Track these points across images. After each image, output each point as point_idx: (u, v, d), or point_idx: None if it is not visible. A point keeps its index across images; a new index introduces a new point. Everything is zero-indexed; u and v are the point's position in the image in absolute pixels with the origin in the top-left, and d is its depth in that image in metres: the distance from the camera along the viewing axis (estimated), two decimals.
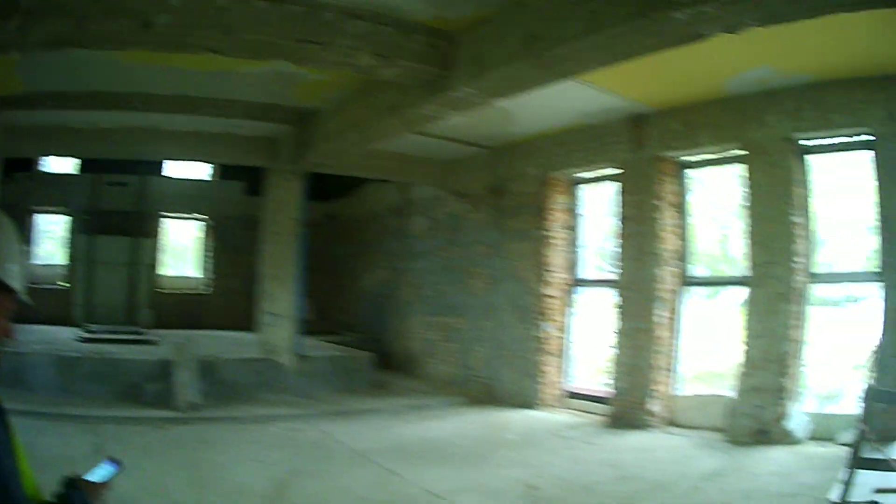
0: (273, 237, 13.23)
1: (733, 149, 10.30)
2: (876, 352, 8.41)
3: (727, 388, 10.17)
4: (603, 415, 11.13)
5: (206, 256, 20.28)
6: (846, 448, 6.56)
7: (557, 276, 12.55)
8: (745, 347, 9.71)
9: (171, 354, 11.09)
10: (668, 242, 10.82)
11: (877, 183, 8.97)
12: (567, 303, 12.72)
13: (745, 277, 10.00)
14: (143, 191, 18.40)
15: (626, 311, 11.02)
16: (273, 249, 13.20)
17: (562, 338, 12.61)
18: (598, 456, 8.98)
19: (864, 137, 9.20)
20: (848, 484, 6.21)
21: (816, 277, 10.05)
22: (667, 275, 10.78)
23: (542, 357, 12.36)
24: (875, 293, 9.02)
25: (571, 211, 12.81)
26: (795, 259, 9.43)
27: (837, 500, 6.26)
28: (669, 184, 10.97)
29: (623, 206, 11.23)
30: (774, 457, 8.57)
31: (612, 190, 11.82)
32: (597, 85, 9.53)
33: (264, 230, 13.46)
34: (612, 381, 11.18)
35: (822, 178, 9.80)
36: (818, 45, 8.08)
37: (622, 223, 11.21)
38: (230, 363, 12.06)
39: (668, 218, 10.88)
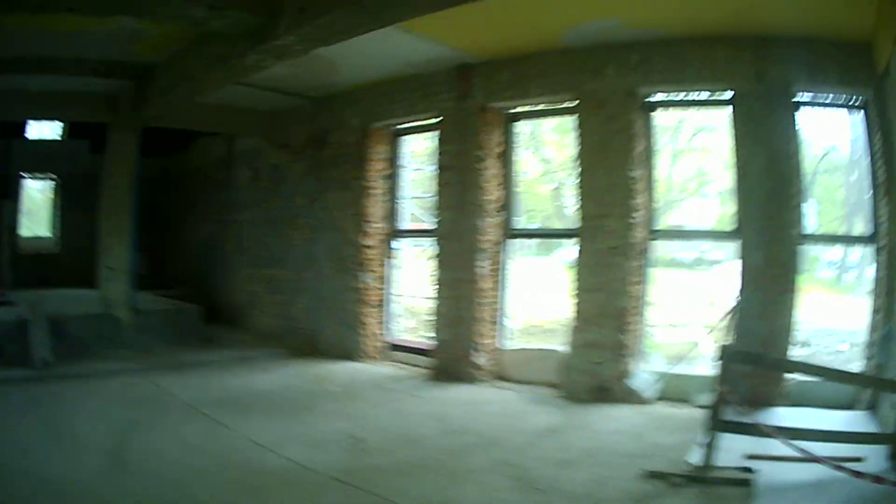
0: (111, 192, 12.84)
1: (566, 100, 10.09)
2: (733, 312, 8.38)
3: (561, 343, 10.08)
4: (426, 367, 10.99)
5: (55, 216, 19.96)
6: (704, 410, 6.51)
7: (376, 226, 12.23)
8: (575, 302, 9.60)
9: (25, 314, 11.12)
10: (491, 193, 10.57)
11: (734, 141, 9.09)
12: (386, 253, 12.45)
13: (574, 230, 9.88)
14: (4, 153, 17.79)
15: (445, 261, 10.80)
16: (111, 205, 12.81)
17: (382, 289, 12.35)
18: (424, 409, 8.77)
19: (723, 95, 9.39)
20: (710, 447, 6.23)
21: (660, 234, 10.08)
22: (489, 226, 10.51)
23: (362, 308, 12.10)
24: (731, 252, 9.19)
25: (392, 161, 12.44)
26: (633, 214, 9.36)
27: (699, 464, 6.28)
28: (494, 134, 10.66)
29: (444, 156, 10.90)
30: (619, 415, 8.52)
31: (434, 140, 11.44)
32: (423, 34, 9.07)
33: (104, 186, 13.03)
34: (433, 334, 10.98)
35: (682, 135, 9.72)
36: (678, 1, 8.09)
37: (442, 173, 10.90)
38: (76, 320, 11.94)
39: (491, 168, 10.58)
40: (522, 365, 10.38)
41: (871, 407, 8.31)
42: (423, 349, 11.46)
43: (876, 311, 8.91)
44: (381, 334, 12.30)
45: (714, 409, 6.32)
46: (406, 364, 11.64)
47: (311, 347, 12.62)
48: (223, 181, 17.11)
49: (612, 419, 8.33)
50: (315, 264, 12.86)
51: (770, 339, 8.70)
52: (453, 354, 10.53)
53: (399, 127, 12.31)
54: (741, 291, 8.82)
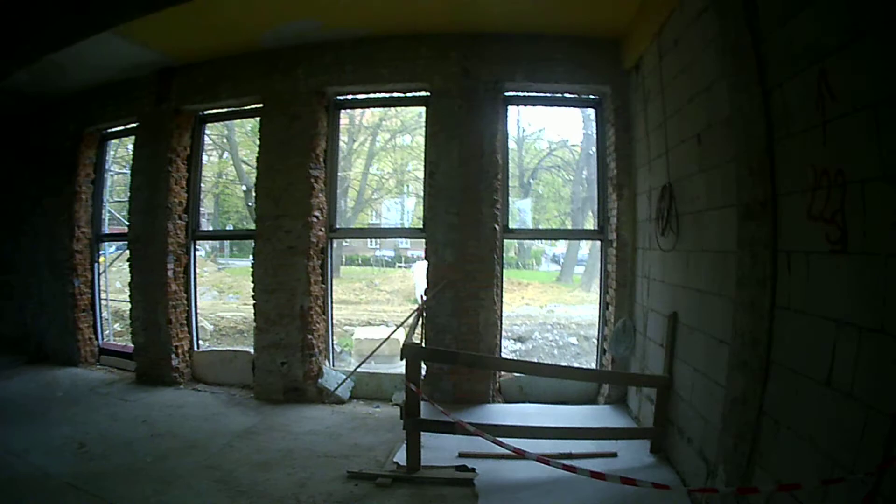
0: None
1: (254, 101, 9.80)
2: (422, 310, 8.42)
3: (249, 344, 9.98)
4: (133, 371, 10.68)
5: None
6: (399, 409, 6.54)
7: (83, 230, 11.69)
8: (257, 303, 9.41)
9: None
10: (179, 196, 10.29)
11: (430, 139, 9.00)
12: (94, 258, 12.01)
13: (254, 231, 9.63)
14: None
15: (138, 265, 10.43)
16: None
17: (91, 294, 11.90)
18: (133, 413, 8.63)
19: (422, 94, 9.20)
20: (414, 446, 6.27)
21: (343, 232, 10.02)
22: (177, 228, 10.16)
23: (77, 314, 11.62)
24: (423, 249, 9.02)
25: (99, 166, 11.92)
26: (313, 213, 9.14)
27: (407, 464, 6.32)
28: (185, 137, 10.26)
29: (138, 160, 10.54)
30: (314, 415, 8.45)
31: (132, 144, 11.10)
32: (132, 37, 8.74)
33: None
34: (133, 338, 10.68)
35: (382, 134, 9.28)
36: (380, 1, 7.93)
37: (135, 177, 10.51)
38: None
39: (180, 171, 10.20)
40: (216, 367, 10.21)
41: (617, 401, 8.54)
42: (127, 352, 11.28)
43: (606, 306, 8.99)
44: (94, 339, 11.91)
45: (407, 407, 6.31)
46: (117, 368, 11.32)
47: (41, 353, 12.10)
48: None
49: (308, 419, 8.26)
50: (37, 269, 12.26)
51: (469, 335, 8.70)
52: (153, 358, 10.27)
53: (107, 131, 11.81)
54: (429, 289, 8.77)
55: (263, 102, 9.45)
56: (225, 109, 10.43)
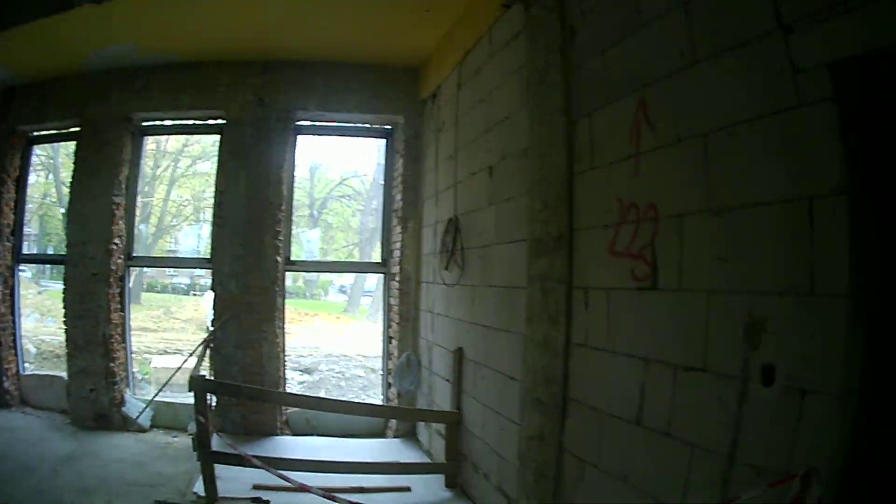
0: None
1: (74, 125, 8.15)
2: (208, 341, 7.20)
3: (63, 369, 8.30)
4: None
5: None
6: (192, 439, 5.66)
7: None
8: (67, 328, 7.83)
9: None
10: (8, 218, 8.38)
11: (220, 168, 7.89)
12: None
13: (65, 256, 8.07)
14: None
15: None
16: None
17: None
18: None
19: (220, 122, 8.00)
20: (210, 478, 5.39)
21: (139, 260, 8.88)
22: (5, 250, 8.33)
23: None
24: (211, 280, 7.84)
25: None
26: (114, 240, 7.66)
27: (204, 495, 5.40)
28: (16, 158, 8.50)
29: None
30: (121, 443, 7.20)
31: None
32: None
33: None
34: None
35: (182, 161, 8.04)
36: (192, 25, 6.72)
37: None
38: None
39: (10, 193, 8.39)
40: (39, 391, 8.52)
41: (406, 434, 7.55)
42: None
43: (390, 339, 8.04)
44: None
45: (199, 439, 5.42)
46: None
47: None
48: None
49: (116, 447, 7.06)
50: None
51: (254, 367, 7.51)
52: None
53: None
54: (215, 320, 7.57)
55: (81, 126, 7.89)
56: (52, 132, 8.75)
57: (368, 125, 8.25)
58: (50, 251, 27.34)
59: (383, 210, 8.43)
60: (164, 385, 7.32)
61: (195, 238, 28.79)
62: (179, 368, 7.57)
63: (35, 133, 8.63)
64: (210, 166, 28.04)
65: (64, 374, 8.35)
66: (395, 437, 7.52)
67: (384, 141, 8.32)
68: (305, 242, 27.52)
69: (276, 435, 7.43)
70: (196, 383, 5.44)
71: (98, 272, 7.55)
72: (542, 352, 3.76)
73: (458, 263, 5.71)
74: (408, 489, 5.69)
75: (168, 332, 21.33)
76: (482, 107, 5.40)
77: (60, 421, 7.86)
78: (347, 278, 31.95)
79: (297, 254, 8.03)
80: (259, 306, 7.51)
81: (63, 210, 26.37)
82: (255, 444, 6.84)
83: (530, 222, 3.97)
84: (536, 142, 4.01)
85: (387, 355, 8.10)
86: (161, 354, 16.02)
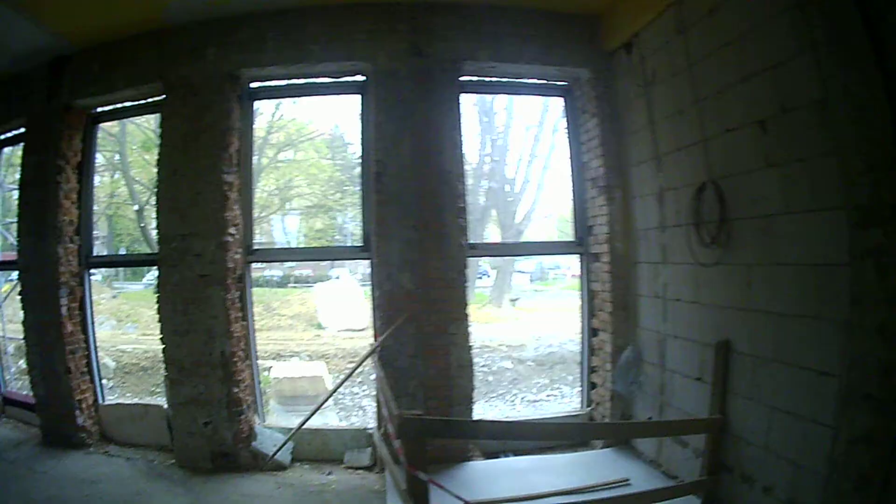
0: None
1: (154, 92, 9.16)
2: (375, 349, 8.02)
3: (155, 383, 9.50)
4: (39, 427, 9.94)
5: None
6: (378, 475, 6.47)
7: None
8: (166, 347, 8.71)
9: None
10: (70, 213, 9.52)
11: (373, 131, 8.59)
12: None
13: (157, 255, 8.91)
14: None
15: (29, 299, 9.66)
16: None
17: None
18: (47, 491, 7.88)
19: (358, 78, 8.93)
20: None
21: (258, 254, 9.49)
22: (68, 253, 9.51)
23: None
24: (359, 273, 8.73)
25: None
26: (230, 230, 8.59)
27: None
28: (75, 140, 9.62)
29: (26, 169, 9.78)
30: (257, 491, 7.83)
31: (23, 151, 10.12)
32: (33, 15, 8.19)
33: None
34: (32, 388, 9.89)
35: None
36: None
37: (24, 190, 9.80)
38: None
39: (70, 182, 9.54)
40: (125, 423, 9.60)
41: (616, 443, 8.31)
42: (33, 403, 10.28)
43: (594, 332, 8.91)
44: None
45: (414, 490, 5.57)
46: (23, 422, 10.65)
47: None
48: None
49: (250, 499, 7.61)
50: None
51: (439, 379, 8.28)
52: (56, 414, 9.52)
53: None
54: (382, 325, 8.29)
55: (166, 92, 8.78)
56: (121, 105, 9.76)
57: (544, 81, 9.16)
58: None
59: (574, 180, 9.27)
60: (317, 409, 8.07)
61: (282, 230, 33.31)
62: (339, 388, 8.45)
63: (99, 109, 9.69)
64: (293, 155, 32.64)
65: (157, 403, 9.37)
66: (604, 446, 8.37)
67: (561, 98, 9.25)
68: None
69: (467, 460, 8.19)
70: (411, 426, 5.63)
71: (209, 273, 8.44)
72: (877, 340, 4.53)
73: (720, 238, 6.46)
74: None
75: (274, 330, 24.13)
76: (729, 52, 6.22)
77: (160, 463, 8.73)
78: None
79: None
80: (443, 303, 8.28)
81: (137, 206, 30.23)
82: (446, 475, 7.40)
83: (848, 187, 4.72)
84: (840, 95, 4.76)
85: (589, 350, 9.03)
86: (275, 360, 17.69)
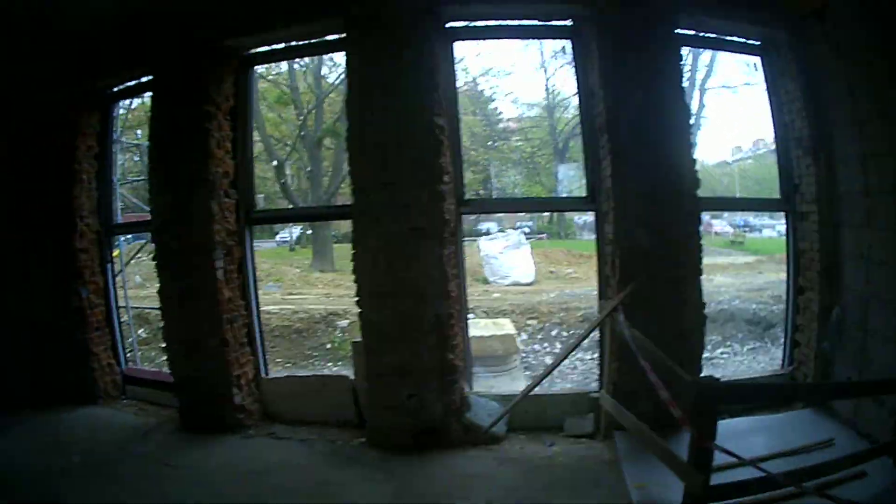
0: None
1: (329, 30, 8.54)
2: (614, 308, 7.44)
3: (349, 367, 8.78)
4: (176, 409, 9.10)
5: None
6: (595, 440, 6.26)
7: (88, 222, 10.18)
8: (363, 311, 8.00)
9: None
10: (225, 164, 8.76)
11: (599, 79, 8.00)
12: (105, 258, 10.51)
13: (350, 207, 8.18)
14: None
15: (169, 264, 8.84)
16: None
17: (106, 305, 10.44)
18: (190, 490, 6.82)
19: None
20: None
21: (471, 205, 8.98)
22: (224, 209, 8.75)
23: (88, 333, 10.10)
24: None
25: (103, 135, 10.38)
26: (444, 178, 7.88)
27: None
28: (226, 84, 8.84)
29: (161, 120, 8.92)
30: (475, 470, 7.03)
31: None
32: None
33: None
34: (171, 365, 9.10)
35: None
36: None
37: (160, 143, 8.93)
38: None
39: (223, 130, 8.77)
40: (296, 399, 8.87)
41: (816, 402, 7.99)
42: (165, 381, 9.69)
43: (801, 290, 8.61)
44: (115, 365, 10.47)
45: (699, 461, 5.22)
46: (150, 403, 9.91)
47: (40, 388, 10.26)
48: None
49: (470, 479, 6.80)
50: (23, 275, 10.46)
51: (672, 339, 7.56)
52: (204, 394, 8.75)
53: (112, 90, 10.31)
54: (619, 282, 7.74)
55: (348, 28, 8.03)
56: (281, 45, 9.00)
57: (743, 39, 8.87)
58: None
59: (777, 140, 9.08)
60: (545, 376, 7.71)
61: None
62: (572, 350, 8.14)
63: (252, 51, 9.01)
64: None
65: (339, 374, 8.82)
66: (803, 407, 8.09)
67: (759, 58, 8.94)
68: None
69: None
70: (706, 391, 5.30)
71: (421, 225, 7.72)
72: None
73: None
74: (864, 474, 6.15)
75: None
76: None
77: (345, 444, 7.89)
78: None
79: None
80: (676, 261, 7.78)
81: (276, 162, 31.09)
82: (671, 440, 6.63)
83: None
84: None
85: (794, 309, 8.74)
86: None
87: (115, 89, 10.26)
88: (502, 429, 7.90)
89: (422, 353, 7.75)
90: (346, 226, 34.19)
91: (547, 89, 35.55)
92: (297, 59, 18.47)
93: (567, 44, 8.60)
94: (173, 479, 7.12)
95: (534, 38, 8.48)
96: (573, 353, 8.06)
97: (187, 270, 8.65)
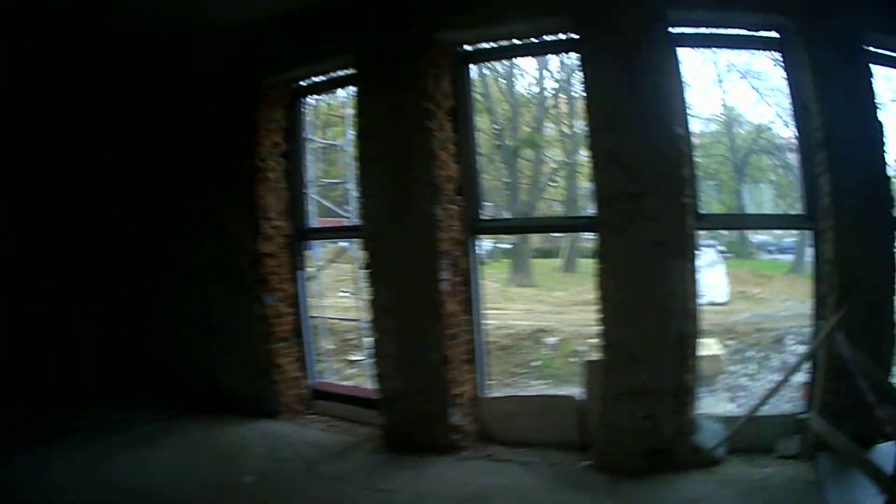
0: None
1: (559, 26, 8.12)
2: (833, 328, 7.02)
3: (578, 387, 8.49)
4: (373, 426, 9.03)
5: None
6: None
7: (277, 224, 10.08)
8: (606, 329, 7.68)
9: None
10: (448, 167, 8.51)
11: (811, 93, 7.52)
12: (296, 264, 10.37)
13: (593, 218, 7.88)
14: None
15: (384, 274, 8.73)
16: None
17: (294, 313, 10.28)
18: None
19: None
20: None
21: (709, 220, 8.57)
22: (450, 216, 8.48)
23: (271, 343, 9.93)
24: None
25: (292, 131, 10.30)
26: (686, 191, 7.51)
27: None
28: (443, 81, 8.55)
29: (368, 116, 8.78)
30: (702, 494, 6.76)
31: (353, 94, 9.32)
32: None
33: None
34: (379, 381, 8.89)
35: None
36: None
37: (368, 141, 8.81)
38: None
39: (444, 130, 8.51)
40: (517, 420, 8.59)
41: None
42: (363, 397, 9.68)
43: None
44: (302, 379, 10.29)
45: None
46: (342, 420, 9.71)
47: (210, 399, 10.35)
48: None
49: (697, 502, 6.63)
50: (198, 281, 10.63)
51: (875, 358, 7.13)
52: (414, 412, 8.54)
53: (300, 83, 10.20)
54: (840, 300, 7.29)
55: (578, 29, 7.72)
56: (504, 43, 8.65)
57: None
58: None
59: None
60: (771, 395, 7.44)
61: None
62: (794, 371, 7.76)
63: (469, 47, 8.69)
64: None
65: (563, 393, 8.64)
66: None
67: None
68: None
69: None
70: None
71: (665, 239, 7.44)
72: None
73: None
74: None
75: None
76: None
77: (569, 466, 7.67)
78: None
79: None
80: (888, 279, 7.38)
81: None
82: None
83: None
84: None
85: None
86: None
87: (302, 83, 10.17)
88: (722, 451, 7.70)
89: (661, 373, 7.50)
90: (537, 240, 35.52)
91: (724, 104, 35.15)
92: (513, 59, 18.56)
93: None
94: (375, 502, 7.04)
95: (743, 49, 8.10)
96: (795, 373, 7.75)
97: (407, 281, 8.52)
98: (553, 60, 29.70)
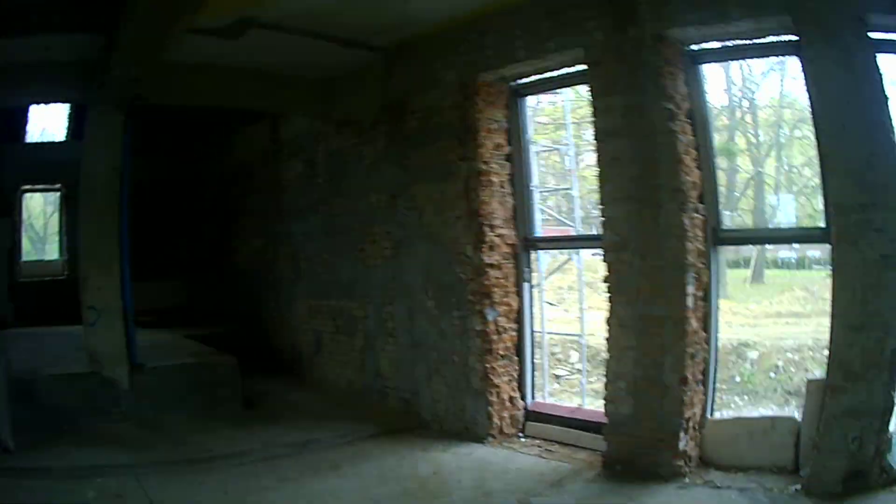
0: (90, 201, 11.14)
1: (779, 27, 7.74)
2: None
3: (792, 407, 8.79)
4: (595, 453, 8.69)
5: (63, 234, 20.87)
6: None
7: (501, 233, 9.97)
8: (836, 345, 7.37)
9: None
10: (691, 173, 8.24)
11: None
12: (520, 275, 10.17)
13: (822, 230, 7.75)
14: None
15: (623, 287, 8.43)
16: (91, 219, 11.16)
17: (516, 329, 10.08)
18: None
19: None
20: None
21: None
22: (694, 225, 8.17)
23: (488, 362, 9.75)
24: None
25: (514, 133, 10.23)
26: None
27: None
28: (678, 81, 8.29)
29: (604, 117, 8.55)
30: None
31: (581, 95, 9.87)
32: None
33: (80, 191, 11.30)
34: (608, 403, 8.61)
35: None
36: None
37: (606, 143, 8.57)
38: (52, 381, 10.53)
39: (686, 133, 8.25)
40: (737, 443, 8.27)
41: None
42: (581, 419, 9.46)
43: None
44: (518, 400, 10.05)
45: None
46: (557, 443, 9.34)
47: (409, 420, 10.57)
48: (269, 181, 15.97)
49: None
50: (407, 293, 10.86)
51: None
52: (642, 437, 8.18)
53: (521, 81, 10.03)
54: None
55: (798, 30, 7.38)
56: (734, 42, 8.29)
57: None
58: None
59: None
60: None
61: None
62: None
63: (697, 46, 8.36)
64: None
65: (781, 415, 8.42)
66: None
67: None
68: None
69: None
70: None
71: (889, 252, 7.05)
72: None
73: None
74: None
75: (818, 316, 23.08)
76: None
77: (780, 491, 7.35)
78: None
79: None
80: None
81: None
82: None
83: None
84: None
85: None
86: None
87: (522, 80, 10.03)
88: None
89: (874, 392, 7.15)
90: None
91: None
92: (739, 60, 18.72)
93: None
94: None
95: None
96: None
97: (651, 296, 8.24)
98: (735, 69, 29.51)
